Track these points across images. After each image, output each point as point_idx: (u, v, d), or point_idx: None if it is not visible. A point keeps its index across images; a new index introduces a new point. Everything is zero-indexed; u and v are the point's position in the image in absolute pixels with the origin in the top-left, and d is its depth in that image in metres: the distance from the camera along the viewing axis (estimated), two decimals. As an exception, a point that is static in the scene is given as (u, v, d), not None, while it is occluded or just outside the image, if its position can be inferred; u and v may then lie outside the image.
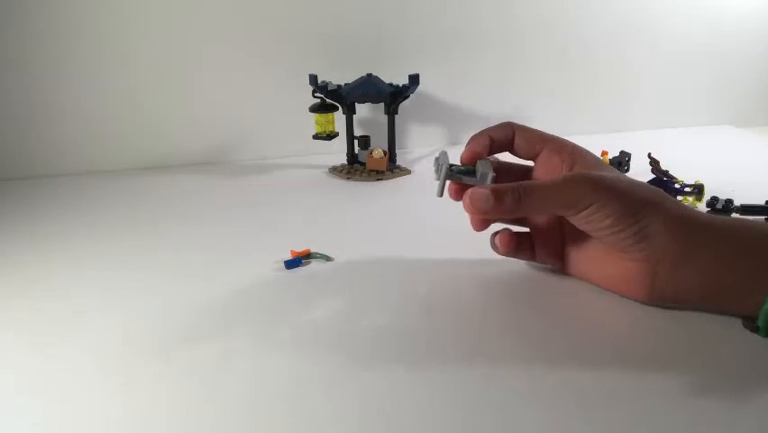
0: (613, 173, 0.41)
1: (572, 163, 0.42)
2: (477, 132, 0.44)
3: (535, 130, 0.44)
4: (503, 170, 0.44)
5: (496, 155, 0.45)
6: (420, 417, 0.32)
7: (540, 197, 0.38)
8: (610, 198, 0.37)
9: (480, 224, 0.42)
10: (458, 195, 0.42)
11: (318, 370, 0.36)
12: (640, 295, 0.40)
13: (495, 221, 0.44)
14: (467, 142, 0.44)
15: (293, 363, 0.37)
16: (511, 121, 0.44)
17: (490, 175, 0.40)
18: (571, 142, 0.43)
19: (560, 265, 0.45)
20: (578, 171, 0.41)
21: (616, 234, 0.38)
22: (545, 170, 0.43)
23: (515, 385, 0.34)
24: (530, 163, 0.45)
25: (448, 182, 0.42)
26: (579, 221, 0.39)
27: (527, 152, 0.44)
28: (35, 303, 0.45)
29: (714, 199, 0.56)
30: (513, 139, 0.44)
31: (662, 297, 0.39)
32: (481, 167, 0.41)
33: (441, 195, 0.41)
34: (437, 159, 0.43)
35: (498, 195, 0.39)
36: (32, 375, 0.36)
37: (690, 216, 0.38)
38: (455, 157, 0.43)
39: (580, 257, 0.43)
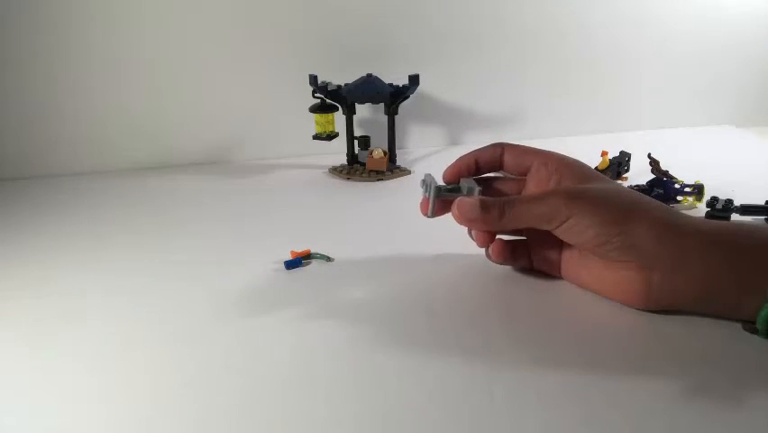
0: (598, 184, 0.41)
1: (560, 176, 0.42)
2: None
3: (524, 146, 0.45)
4: (499, 183, 0.46)
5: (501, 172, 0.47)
6: (420, 418, 0.32)
7: (521, 211, 0.40)
8: (587, 209, 0.38)
9: (484, 240, 0.43)
10: (441, 211, 0.44)
11: (318, 371, 0.36)
12: (637, 303, 0.40)
13: (495, 232, 0.44)
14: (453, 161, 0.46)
15: (293, 363, 0.37)
16: (501, 141, 0.45)
17: (477, 189, 0.43)
18: (558, 155, 0.43)
19: (557, 273, 0.45)
20: (559, 186, 0.41)
21: (601, 247, 0.38)
22: (535, 183, 0.43)
23: (515, 387, 0.34)
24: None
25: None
26: (561, 235, 0.40)
27: (517, 168, 0.44)
28: (35, 303, 0.45)
29: (714, 199, 0.56)
30: (502, 157, 0.45)
31: (658, 304, 0.39)
32: (466, 183, 0.44)
33: (432, 216, 0.44)
34: (423, 181, 0.45)
35: (484, 206, 0.41)
36: (32, 375, 0.37)
37: (676, 223, 0.38)
38: (438, 175, 0.46)
39: (576, 265, 0.43)
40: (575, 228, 0.38)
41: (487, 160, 0.45)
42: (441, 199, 0.44)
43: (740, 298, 0.36)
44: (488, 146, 0.45)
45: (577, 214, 0.38)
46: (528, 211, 0.40)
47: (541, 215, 0.39)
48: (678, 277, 0.37)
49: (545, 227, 0.40)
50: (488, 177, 0.46)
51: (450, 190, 0.44)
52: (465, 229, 0.45)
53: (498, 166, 0.45)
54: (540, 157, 0.43)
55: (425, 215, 0.44)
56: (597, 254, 0.39)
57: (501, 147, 0.45)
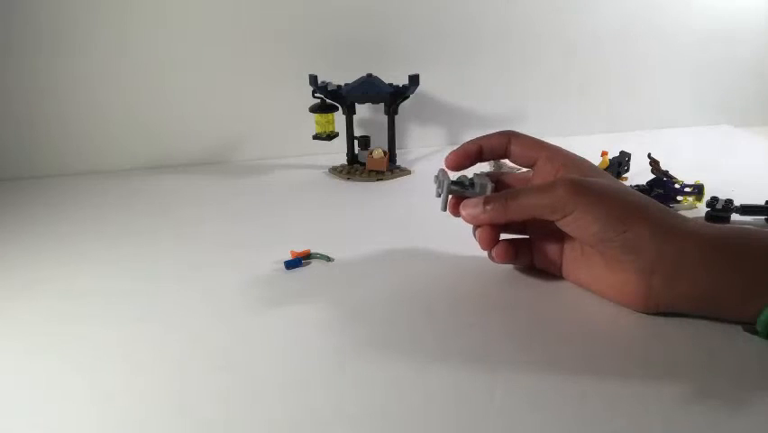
0: (604, 179, 0.41)
1: (566, 172, 0.42)
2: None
3: (531, 138, 0.44)
4: (506, 174, 0.46)
5: (505, 160, 0.46)
6: (420, 419, 0.32)
7: (525, 202, 0.40)
8: (593, 202, 0.38)
9: (488, 242, 0.43)
10: (457, 209, 0.44)
11: (317, 371, 0.36)
12: (637, 305, 0.40)
13: (499, 234, 0.44)
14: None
15: (292, 364, 0.37)
16: (510, 130, 0.45)
17: (489, 186, 0.43)
18: (565, 151, 0.43)
19: (557, 272, 0.45)
20: (564, 176, 0.41)
21: (605, 243, 0.38)
22: (541, 178, 0.43)
23: (515, 388, 0.34)
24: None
25: (450, 196, 0.44)
26: (565, 226, 0.39)
27: (523, 159, 0.44)
28: (34, 303, 0.45)
29: (714, 199, 0.56)
30: (509, 147, 0.44)
31: (657, 307, 0.39)
32: (479, 180, 0.44)
33: (445, 209, 0.44)
34: (437, 177, 0.45)
35: (487, 201, 0.42)
36: (32, 375, 0.37)
37: (678, 227, 0.38)
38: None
39: (577, 265, 0.43)
40: (579, 222, 0.38)
41: (492, 148, 0.44)
42: (454, 196, 0.44)
43: (744, 301, 0.36)
44: (494, 133, 0.45)
45: (582, 207, 0.38)
46: (532, 202, 0.40)
47: (545, 205, 0.39)
48: (679, 280, 0.37)
49: (549, 218, 0.40)
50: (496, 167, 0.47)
51: (463, 186, 0.44)
52: (465, 229, 0.45)
53: (504, 154, 0.45)
54: (546, 151, 0.43)
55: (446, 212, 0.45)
56: (598, 250, 0.39)
57: (508, 136, 0.44)
